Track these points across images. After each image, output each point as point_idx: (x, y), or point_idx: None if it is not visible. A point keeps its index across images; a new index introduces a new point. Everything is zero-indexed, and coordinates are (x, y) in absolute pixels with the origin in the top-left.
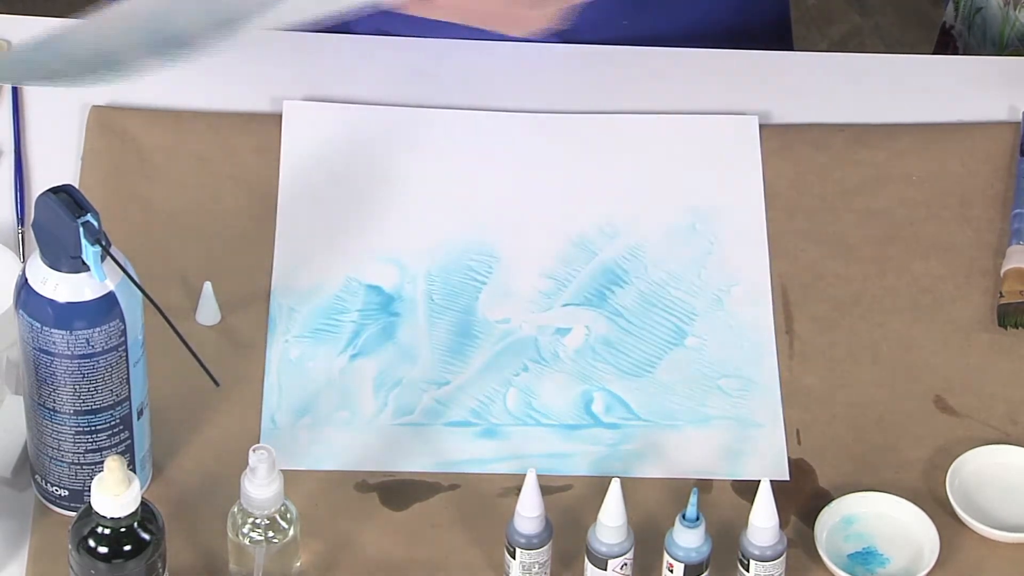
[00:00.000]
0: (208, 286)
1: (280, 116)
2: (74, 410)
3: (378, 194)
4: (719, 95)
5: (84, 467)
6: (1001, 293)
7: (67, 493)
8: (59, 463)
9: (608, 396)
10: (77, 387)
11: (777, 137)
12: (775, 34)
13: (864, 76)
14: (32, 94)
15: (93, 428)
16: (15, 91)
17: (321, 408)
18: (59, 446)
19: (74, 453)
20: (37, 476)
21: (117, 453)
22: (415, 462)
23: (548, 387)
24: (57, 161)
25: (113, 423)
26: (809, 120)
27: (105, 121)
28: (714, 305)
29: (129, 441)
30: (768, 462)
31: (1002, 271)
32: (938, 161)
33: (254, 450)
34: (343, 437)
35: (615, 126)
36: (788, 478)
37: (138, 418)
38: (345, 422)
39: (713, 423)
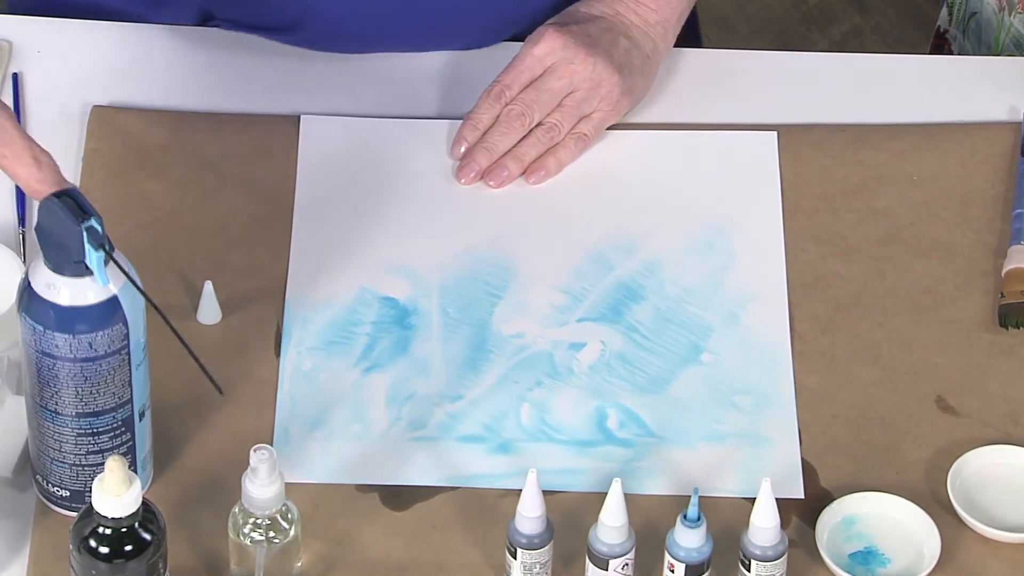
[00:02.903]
0: (209, 285)
1: (280, 117)
2: (76, 412)
3: (394, 206)
4: (719, 96)
5: (85, 468)
6: (1002, 293)
7: (68, 494)
8: (60, 464)
9: (622, 412)
10: (79, 390)
11: (778, 137)
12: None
13: (864, 76)
14: (33, 94)
15: (95, 430)
16: (15, 91)
17: (334, 421)
18: (60, 447)
19: (75, 455)
20: (38, 476)
21: (118, 454)
22: (427, 476)
23: (562, 403)
24: (58, 161)
25: (115, 425)
26: (809, 120)
27: (106, 121)
28: (730, 321)
29: (131, 443)
30: (782, 480)
31: (1003, 271)
32: (938, 161)
33: (255, 450)
34: (355, 450)
35: (633, 141)
36: (803, 495)
37: (140, 420)
38: (357, 435)
39: (727, 440)
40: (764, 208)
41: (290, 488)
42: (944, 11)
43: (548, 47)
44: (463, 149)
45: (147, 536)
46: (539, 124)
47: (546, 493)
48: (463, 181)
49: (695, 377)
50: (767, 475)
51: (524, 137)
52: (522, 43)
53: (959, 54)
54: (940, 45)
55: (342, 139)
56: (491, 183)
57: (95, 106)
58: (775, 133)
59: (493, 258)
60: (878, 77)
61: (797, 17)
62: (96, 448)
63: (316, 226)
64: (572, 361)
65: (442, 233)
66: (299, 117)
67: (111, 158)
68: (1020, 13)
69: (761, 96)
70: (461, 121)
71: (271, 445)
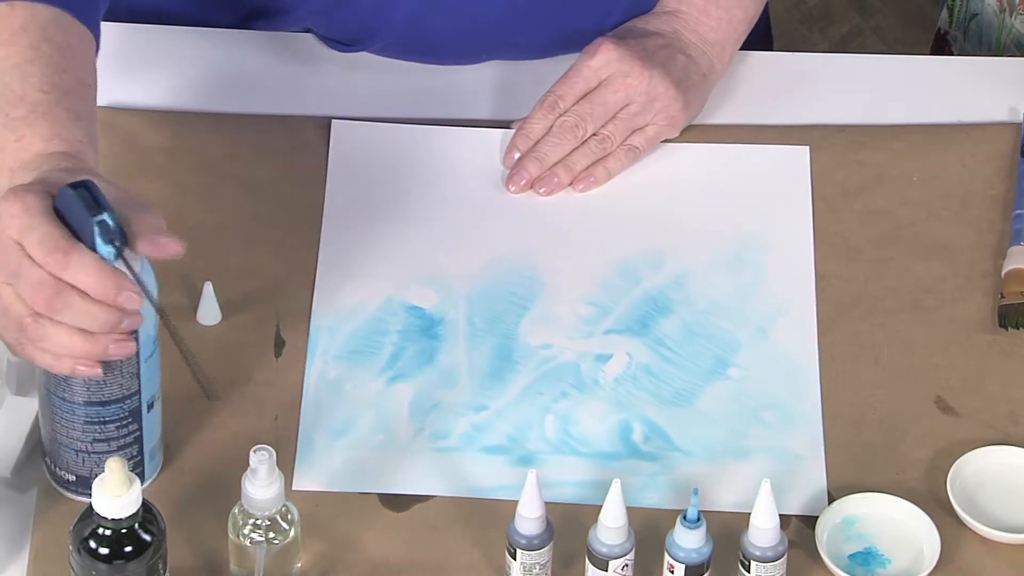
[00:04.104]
0: (208, 286)
1: (280, 118)
2: (84, 401)
3: (422, 215)
4: (718, 97)
5: (92, 455)
6: (1002, 294)
7: (75, 479)
8: (68, 450)
9: (647, 426)
10: (87, 380)
11: (779, 138)
12: (753, 36)
13: (864, 76)
14: None
15: (102, 419)
16: None
17: (357, 430)
18: (69, 434)
19: (83, 441)
20: (47, 459)
21: (126, 443)
22: (449, 487)
23: (587, 415)
24: None
25: (122, 416)
26: (809, 120)
27: (106, 122)
28: (758, 336)
29: (138, 433)
30: (807, 496)
31: (1003, 272)
32: (939, 162)
33: (255, 451)
34: (378, 460)
35: (664, 154)
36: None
37: (148, 411)
38: (380, 445)
39: (753, 456)
40: (795, 223)
41: (291, 489)
42: (944, 12)
43: (604, 59)
44: (515, 157)
45: (147, 537)
46: (592, 135)
47: (567, 505)
48: (513, 189)
49: (722, 392)
50: (792, 492)
51: (575, 147)
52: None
53: (960, 55)
54: (941, 47)
55: (372, 145)
56: (541, 191)
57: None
58: (807, 148)
59: (520, 269)
60: (878, 77)
61: (797, 17)
62: (103, 437)
63: (344, 234)
64: (598, 373)
65: (470, 243)
66: (301, 118)
67: (111, 159)
68: (1021, 14)
69: (761, 97)
70: (494, 128)
71: (275, 449)
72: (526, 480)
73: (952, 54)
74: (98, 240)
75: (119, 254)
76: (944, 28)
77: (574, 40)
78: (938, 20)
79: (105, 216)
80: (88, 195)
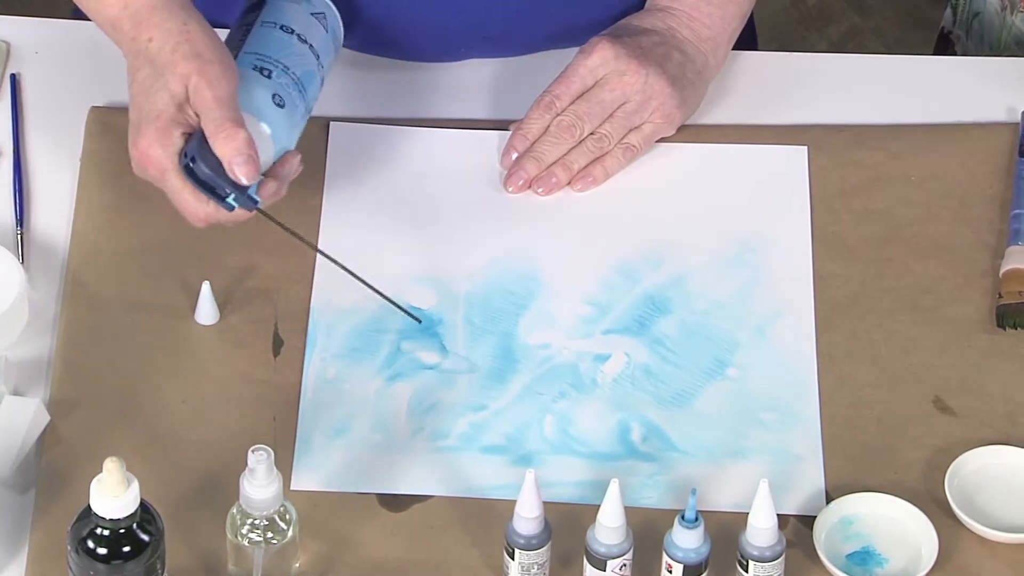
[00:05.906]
0: (207, 286)
1: None
2: None
3: (420, 215)
4: (717, 97)
5: None
6: (1000, 294)
7: None
8: None
9: (646, 426)
10: None
11: (777, 138)
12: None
13: (863, 76)
14: (31, 95)
15: None
16: (14, 92)
17: (356, 430)
18: None
19: None
20: None
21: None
22: (447, 487)
23: (585, 415)
24: (57, 161)
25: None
26: (808, 120)
27: (105, 121)
28: (757, 336)
29: None
30: (805, 496)
31: (1001, 272)
32: (937, 162)
33: (253, 451)
34: (377, 460)
35: (663, 154)
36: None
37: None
38: (379, 445)
39: (752, 456)
40: (793, 223)
41: (288, 489)
42: (948, 12)
43: (600, 58)
44: (513, 157)
45: (145, 537)
46: (589, 134)
47: (565, 505)
48: (511, 189)
49: (720, 392)
50: (790, 492)
51: (573, 146)
52: (569, 50)
53: (963, 54)
54: (944, 46)
55: (370, 147)
56: (539, 191)
57: (94, 106)
58: (806, 148)
59: (519, 268)
60: (877, 77)
61: (795, 17)
62: None
63: (343, 234)
64: (597, 373)
65: (468, 243)
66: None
67: (109, 158)
68: (1021, 12)
69: (759, 97)
70: (490, 130)
71: (274, 448)
72: (524, 480)
73: (955, 53)
74: None
75: None
76: (947, 27)
77: (558, 37)
78: (936, 20)
79: None
80: None
